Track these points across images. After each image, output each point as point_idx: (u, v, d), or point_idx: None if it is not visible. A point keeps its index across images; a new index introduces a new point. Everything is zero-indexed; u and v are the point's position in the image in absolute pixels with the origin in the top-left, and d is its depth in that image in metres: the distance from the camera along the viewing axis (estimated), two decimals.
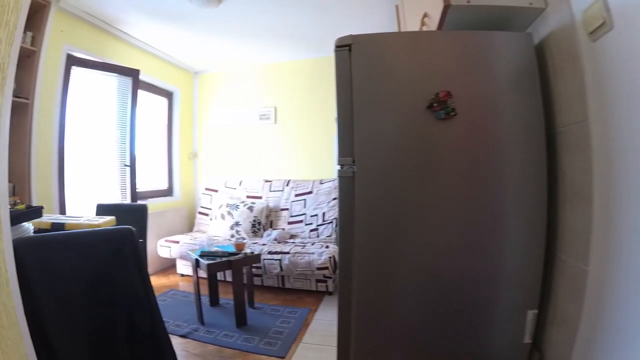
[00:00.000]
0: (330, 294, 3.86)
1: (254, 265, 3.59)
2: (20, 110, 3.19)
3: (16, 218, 1.57)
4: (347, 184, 1.57)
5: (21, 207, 1.70)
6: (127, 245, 1.64)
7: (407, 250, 1.56)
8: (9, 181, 3.12)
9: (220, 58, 5.40)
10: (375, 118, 1.56)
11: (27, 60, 3.19)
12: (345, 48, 1.58)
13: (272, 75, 5.49)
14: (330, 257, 3.66)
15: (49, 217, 1.96)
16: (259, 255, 3.48)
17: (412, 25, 2.47)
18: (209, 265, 3.08)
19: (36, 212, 1.69)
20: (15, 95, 3.02)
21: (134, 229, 1.67)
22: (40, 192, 3.36)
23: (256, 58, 5.38)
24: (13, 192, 3.15)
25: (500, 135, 1.53)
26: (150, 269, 4.66)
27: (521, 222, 1.52)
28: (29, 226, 1.72)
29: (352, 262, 1.57)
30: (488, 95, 1.53)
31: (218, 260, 3.16)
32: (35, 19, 3.21)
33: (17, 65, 3.08)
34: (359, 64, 1.57)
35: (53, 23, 3.35)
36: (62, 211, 3.67)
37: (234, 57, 5.34)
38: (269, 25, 4.25)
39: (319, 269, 3.68)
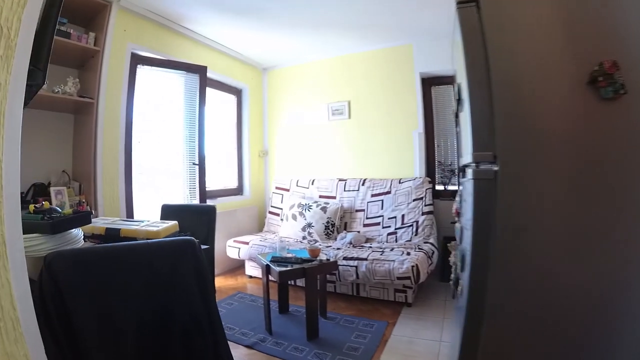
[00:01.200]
0: (409, 305, 3.46)
1: None
2: (86, 110, 3.19)
3: (58, 225, 1.36)
4: (486, 188, 1.14)
5: (68, 212, 1.50)
6: (187, 259, 1.37)
7: (562, 280, 1.13)
8: (76, 180, 3.20)
9: (289, 52, 5.18)
10: (520, 97, 1.13)
11: (91, 61, 3.22)
12: (471, 4, 1.17)
13: (344, 67, 5.15)
14: (412, 266, 3.26)
15: (104, 221, 1.77)
16: (335, 262, 3.20)
17: None
18: (281, 273, 2.84)
19: (83, 217, 1.49)
20: (79, 95, 3.05)
21: (196, 240, 1.39)
22: (106, 192, 3.37)
23: (326, 51, 5.10)
24: (80, 191, 3.17)
25: None
26: (218, 270, 4.59)
27: None
28: (77, 233, 1.52)
29: (485, 296, 1.17)
30: None
31: (290, 267, 2.91)
32: (97, 20, 3.24)
33: (82, 66, 3.07)
34: (494, 23, 1.16)
35: (115, 22, 3.34)
36: (129, 210, 3.65)
37: (303, 50, 5.09)
38: (338, 15, 3.93)
39: (399, 278, 3.30)
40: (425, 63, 4.55)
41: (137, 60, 3.74)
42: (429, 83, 4.66)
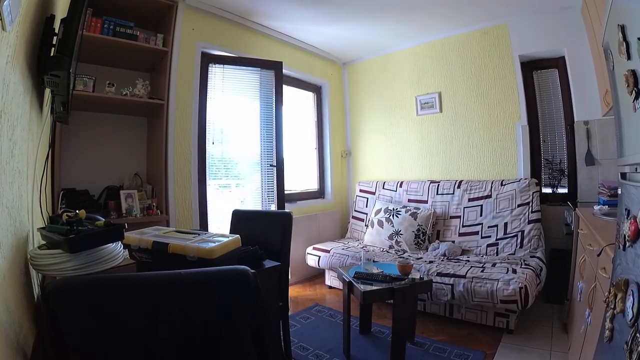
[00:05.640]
0: (510, 332, 2.89)
1: None
2: (158, 112, 3.14)
3: (77, 243, 1.08)
4: None
5: (100, 224, 1.22)
6: (238, 300, 0.94)
7: None
8: (149, 183, 3.15)
9: (369, 44, 4.79)
10: None
11: (161, 63, 3.17)
12: None
13: (431, 56, 4.60)
14: (520, 288, 2.67)
15: (155, 233, 1.47)
16: (429, 282, 2.75)
17: None
18: (365, 293, 2.46)
19: (113, 233, 1.19)
20: (149, 97, 3.01)
21: (251, 271, 0.94)
22: (178, 194, 3.29)
23: (410, 38, 4.62)
24: (152, 194, 3.12)
25: None
26: (295, 278, 4.38)
27: None
28: (114, 248, 1.24)
29: None
30: None
31: (377, 287, 2.51)
32: (165, 21, 3.20)
33: (153, 69, 2.82)
34: None
35: (183, 22, 3.29)
36: (203, 214, 3.52)
37: (385, 40, 4.66)
38: None
39: (503, 302, 2.73)
40: (524, 44, 3.89)
41: (208, 59, 3.63)
42: (530, 67, 3.98)
